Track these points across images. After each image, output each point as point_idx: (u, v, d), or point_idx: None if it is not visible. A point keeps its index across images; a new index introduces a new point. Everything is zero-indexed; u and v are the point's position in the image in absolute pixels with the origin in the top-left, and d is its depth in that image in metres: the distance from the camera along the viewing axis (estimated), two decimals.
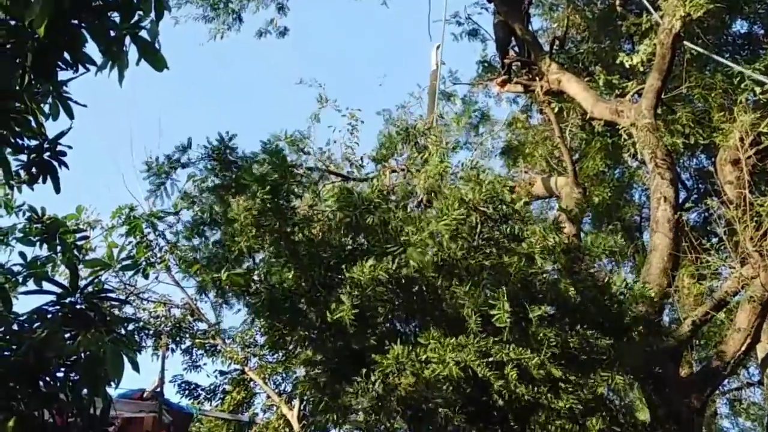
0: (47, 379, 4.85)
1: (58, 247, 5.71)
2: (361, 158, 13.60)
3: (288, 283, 9.93)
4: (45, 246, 5.77)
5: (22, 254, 5.61)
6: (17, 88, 4.44)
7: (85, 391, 4.91)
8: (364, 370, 9.68)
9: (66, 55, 4.50)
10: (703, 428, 12.08)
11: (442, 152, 11.06)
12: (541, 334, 8.75)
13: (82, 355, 4.81)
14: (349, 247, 10.00)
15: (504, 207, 9.73)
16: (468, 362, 8.59)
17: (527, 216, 10.09)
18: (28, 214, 6.09)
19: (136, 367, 4.95)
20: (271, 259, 10.14)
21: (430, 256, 9.08)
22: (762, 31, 14.77)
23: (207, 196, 11.05)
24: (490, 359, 8.72)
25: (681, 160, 14.36)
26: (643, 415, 11.13)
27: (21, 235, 6.31)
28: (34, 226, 5.72)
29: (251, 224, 9.53)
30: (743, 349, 11.29)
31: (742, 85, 11.92)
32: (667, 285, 12.34)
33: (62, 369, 4.90)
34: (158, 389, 10.74)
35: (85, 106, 4.83)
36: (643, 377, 10.85)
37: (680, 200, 13.32)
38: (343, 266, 9.51)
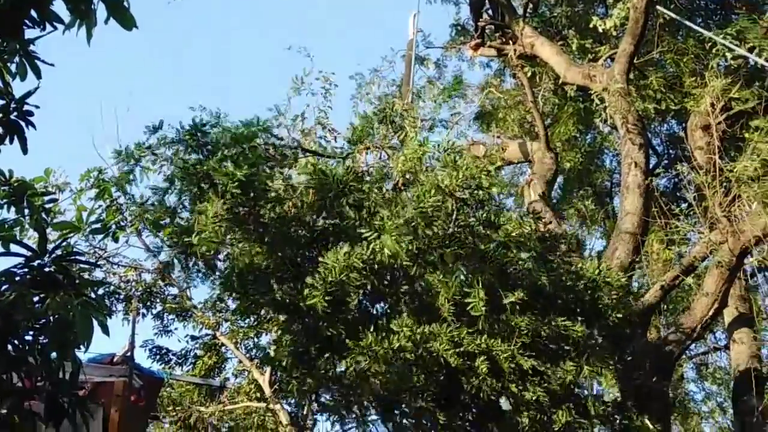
0: (15, 342, 4.83)
1: (26, 210, 5.66)
2: (335, 131, 13.61)
3: (257, 260, 9.94)
4: (12, 209, 5.71)
5: None
6: None
7: (54, 354, 4.94)
8: (334, 356, 9.82)
9: (33, 12, 4.47)
10: (669, 393, 12.24)
11: (419, 134, 11.10)
12: (514, 323, 8.83)
13: (51, 318, 4.85)
14: (321, 227, 10.01)
15: (481, 192, 9.75)
16: (441, 352, 8.69)
17: (502, 203, 10.24)
18: None
19: (105, 330, 4.97)
20: (240, 239, 10.16)
21: (406, 244, 9.10)
22: None
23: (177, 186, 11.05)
24: (461, 349, 8.81)
25: (652, 126, 14.44)
26: (615, 392, 11.24)
27: None
28: (1, 188, 5.65)
29: (219, 216, 9.62)
30: (710, 313, 11.42)
31: (714, 51, 11.97)
32: (636, 249, 12.45)
33: (31, 332, 4.90)
34: (129, 354, 10.70)
35: (52, 65, 4.81)
36: (613, 355, 10.96)
37: (651, 166, 13.40)
38: (315, 246, 9.58)
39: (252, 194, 9.92)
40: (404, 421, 11.12)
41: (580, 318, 9.44)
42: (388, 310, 10.05)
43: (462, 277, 9.21)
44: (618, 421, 10.09)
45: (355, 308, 9.78)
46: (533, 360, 9.00)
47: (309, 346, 10.47)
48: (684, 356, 13.37)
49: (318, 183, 10.08)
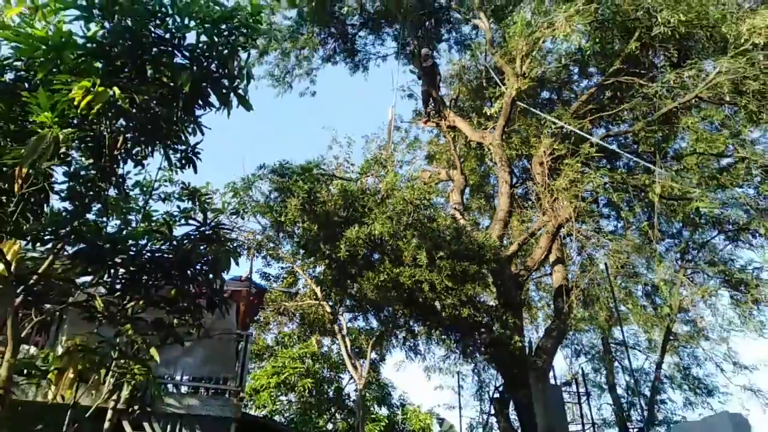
0: (192, 270, 4.85)
1: (197, 202, 5.69)
2: (352, 164, 13.73)
3: (313, 232, 10.21)
4: (190, 202, 5.75)
5: (178, 206, 5.64)
6: (174, 119, 4.45)
7: (210, 275, 4.90)
8: (353, 282, 10.04)
9: (199, 101, 4.52)
10: (522, 300, 12.35)
11: (394, 170, 11.34)
12: (441, 265, 9.02)
13: (209, 257, 4.82)
14: (344, 217, 10.21)
15: (425, 201, 10.08)
16: (405, 281, 8.93)
17: (438, 206, 10.50)
18: (181, 184, 6.04)
19: (237, 263, 5.02)
20: (305, 220, 10.45)
21: (387, 228, 9.30)
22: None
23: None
24: (415, 279, 9.02)
25: (514, 162, 14.44)
26: (494, 300, 11.37)
27: (177, 196, 6.28)
28: (184, 191, 5.69)
29: (296, 209, 9.84)
30: (541, 257, 11.57)
31: (546, 123, 12.06)
32: (505, 225, 12.54)
33: (198, 264, 4.85)
34: (249, 276, 10.78)
35: (209, 128, 4.84)
36: (494, 282, 11.07)
37: (513, 182, 13.45)
38: (342, 226, 9.81)
39: (311, 198, 10.10)
40: (385, 315, 11.29)
41: (475, 263, 9.61)
42: (379, 260, 10.18)
43: (414, 244, 9.38)
44: (499, 316, 10.22)
45: (362, 258, 9.94)
46: (451, 282, 9.18)
47: (339, 276, 10.67)
48: (530, 279, 13.45)
49: (343, 195, 10.31)
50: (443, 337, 10.74)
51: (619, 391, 15.62)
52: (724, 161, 12.63)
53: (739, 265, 13.73)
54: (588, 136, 11.10)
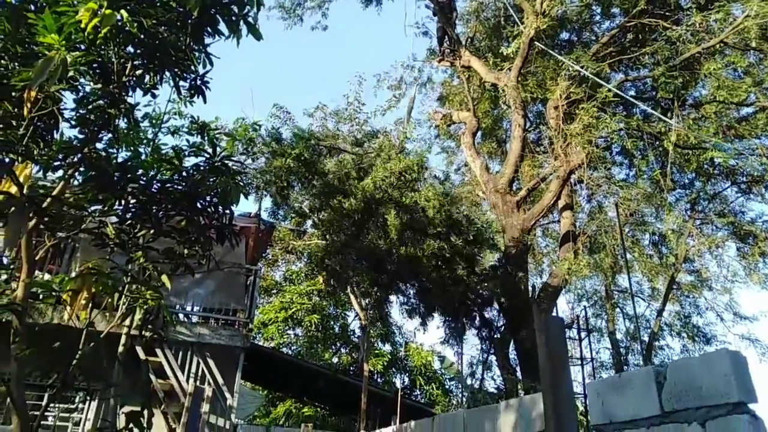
0: (201, 201, 4.86)
1: (206, 136, 5.65)
2: (363, 104, 13.36)
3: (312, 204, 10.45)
4: (199, 136, 5.70)
5: (187, 140, 5.60)
6: (183, 47, 4.35)
7: (220, 208, 4.89)
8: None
9: (208, 29, 4.39)
10: (529, 246, 12.40)
11: (400, 149, 11.22)
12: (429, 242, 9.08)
13: (219, 189, 4.82)
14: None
15: (413, 174, 10.02)
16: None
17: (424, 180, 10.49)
18: (190, 118, 5.98)
19: (246, 196, 5.01)
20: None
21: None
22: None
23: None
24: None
25: (529, 106, 14.10)
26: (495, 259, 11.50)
27: (187, 129, 6.23)
28: (194, 125, 5.64)
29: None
30: (551, 202, 11.53)
31: (563, 66, 11.72)
32: (516, 169, 12.45)
33: (208, 196, 4.82)
34: (258, 212, 10.88)
35: (218, 57, 4.74)
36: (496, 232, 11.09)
37: (527, 126, 13.22)
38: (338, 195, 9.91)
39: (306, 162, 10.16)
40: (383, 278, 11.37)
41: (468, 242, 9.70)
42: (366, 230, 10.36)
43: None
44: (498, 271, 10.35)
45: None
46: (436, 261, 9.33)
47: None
48: (537, 224, 13.44)
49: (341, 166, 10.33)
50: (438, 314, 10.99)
51: (619, 336, 15.95)
52: (744, 111, 12.32)
53: (749, 217, 13.68)
54: (605, 84, 10.78)
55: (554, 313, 10.63)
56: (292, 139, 10.78)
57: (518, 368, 11.40)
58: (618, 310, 16.02)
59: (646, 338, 15.03)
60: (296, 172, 10.23)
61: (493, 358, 12.36)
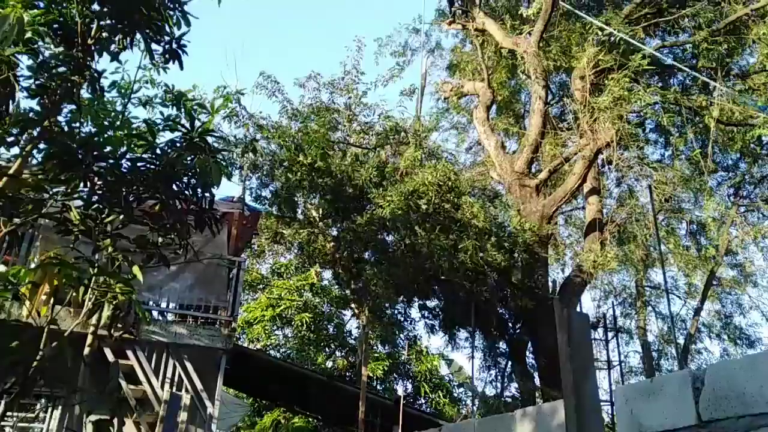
0: (177, 183, 4.85)
1: (182, 108, 5.62)
2: (362, 73, 13.17)
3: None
4: (174, 108, 5.68)
5: (161, 113, 5.57)
6: (156, 4, 4.32)
7: (199, 190, 4.88)
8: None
9: None
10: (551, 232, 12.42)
11: (418, 142, 11.09)
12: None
13: (197, 169, 4.82)
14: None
15: (449, 183, 9.95)
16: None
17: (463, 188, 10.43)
18: (164, 86, 5.98)
19: (228, 177, 4.99)
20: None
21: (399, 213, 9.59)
22: None
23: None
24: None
25: (551, 76, 14.06)
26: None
27: (160, 100, 6.22)
28: (168, 95, 5.62)
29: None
30: (575, 186, 11.53)
31: (591, 29, 11.66)
32: (536, 149, 12.44)
33: (185, 177, 4.81)
34: (241, 197, 10.86)
35: (197, 18, 4.71)
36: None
37: (548, 99, 13.19)
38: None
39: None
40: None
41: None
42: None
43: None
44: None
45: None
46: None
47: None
48: (559, 211, 13.43)
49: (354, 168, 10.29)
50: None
51: (650, 338, 16.04)
52: None
53: None
54: (640, 45, 10.74)
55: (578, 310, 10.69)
56: (296, 139, 10.77)
57: (536, 374, 11.49)
58: (650, 308, 16.08)
59: (681, 341, 15.11)
60: (307, 179, 10.27)
61: (507, 362, 12.44)
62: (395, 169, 10.78)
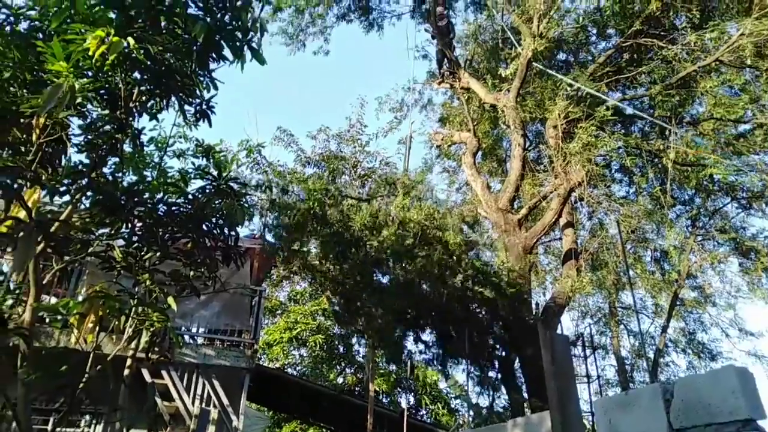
0: (207, 223, 4.88)
1: (211, 159, 5.67)
2: (365, 126, 13.27)
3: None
4: (204, 159, 5.73)
5: (192, 163, 5.62)
6: (188, 72, 4.39)
7: (226, 230, 4.93)
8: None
9: (212, 54, 4.44)
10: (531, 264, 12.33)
11: (405, 191, 11.21)
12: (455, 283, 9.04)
13: (224, 211, 4.85)
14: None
15: (434, 221, 9.98)
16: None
17: (445, 224, 10.40)
18: (195, 141, 6.03)
19: (250, 217, 5.00)
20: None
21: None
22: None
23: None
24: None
25: (528, 126, 14.13)
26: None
27: (192, 152, 6.27)
28: (199, 148, 5.68)
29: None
30: (552, 220, 11.51)
31: (561, 86, 11.81)
32: (516, 188, 12.45)
33: (214, 218, 4.88)
34: (262, 233, 10.87)
35: (222, 83, 4.77)
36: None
37: (526, 145, 13.25)
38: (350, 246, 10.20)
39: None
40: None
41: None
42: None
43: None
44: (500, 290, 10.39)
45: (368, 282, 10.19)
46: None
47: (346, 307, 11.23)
48: (539, 242, 13.35)
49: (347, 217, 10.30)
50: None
51: (624, 353, 15.76)
52: (742, 127, 12.35)
53: (750, 233, 13.61)
54: (604, 97, 10.86)
55: (559, 331, 10.53)
56: (300, 193, 10.82)
57: (524, 387, 11.26)
58: (622, 327, 15.85)
59: (651, 355, 14.85)
60: (304, 225, 10.26)
61: (497, 375, 12.20)
62: (387, 215, 10.76)
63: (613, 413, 3.49)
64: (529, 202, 12.40)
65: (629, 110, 12.67)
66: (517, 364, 11.67)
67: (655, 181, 12.79)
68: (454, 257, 9.88)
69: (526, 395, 10.97)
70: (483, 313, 10.42)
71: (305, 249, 10.87)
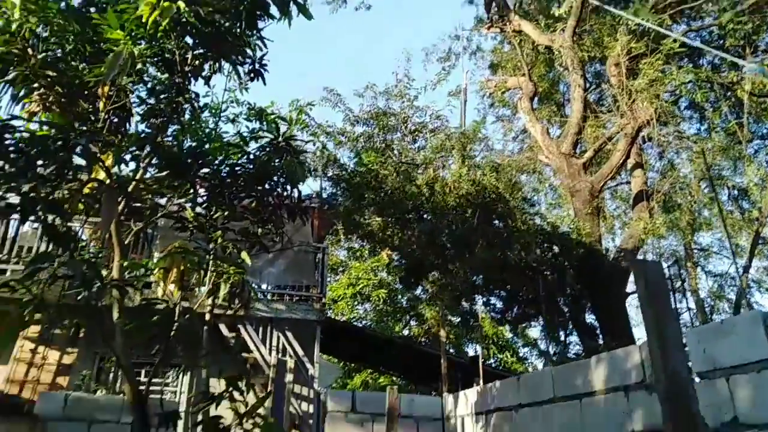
0: (269, 181, 4.93)
1: (264, 121, 5.70)
2: (412, 80, 12.93)
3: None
4: (257, 122, 5.75)
5: (246, 126, 5.64)
6: (238, 33, 4.40)
7: (288, 187, 4.98)
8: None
9: (260, 12, 4.41)
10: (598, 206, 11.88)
11: (462, 159, 10.83)
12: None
13: (284, 169, 4.89)
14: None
15: (493, 195, 9.88)
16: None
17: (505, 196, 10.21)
18: (247, 105, 6.07)
19: (310, 174, 5.00)
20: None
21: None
22: None
23: None
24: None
25: (586, 66, 13.36)
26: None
27: (245, 116, 6.32)
28: (251, 111, 5.72)
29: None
30: (620, 161, 11.01)
31: (621, 21, 11.04)
32: (579, 132, 11.94)
33: (276, 176, 4.92)
34: (319, 192, 11.01)
35: (272, 41, 4.76)
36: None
37: (586, 86, 12.58)
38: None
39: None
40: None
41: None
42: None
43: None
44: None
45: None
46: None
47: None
48: (605, 186, 12.81)
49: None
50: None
51: (702, 295, 15.14)
52: None
53: None
54: (669, 33, 10.03)
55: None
56: (351, 163, 10.76)
57: (598, 332, 11.03)
58: (699, 269, 15.16)
59: (732, 297, 14.16)
60: (361, 195, 10.24)
61: (568, 323, 12.01)
62: (444, 183, 10.51)
63: (707, 342, 3.45)
64: (593, 145, 11.85)
65: (697, 43, 11.70)
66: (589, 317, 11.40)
67: (729, 116, 11.91)
68: (517, 217, 9.62)
69: (598, 342, 10.76)
70: (553, 266, 10.16)
71: (365, 220, 10.82)
